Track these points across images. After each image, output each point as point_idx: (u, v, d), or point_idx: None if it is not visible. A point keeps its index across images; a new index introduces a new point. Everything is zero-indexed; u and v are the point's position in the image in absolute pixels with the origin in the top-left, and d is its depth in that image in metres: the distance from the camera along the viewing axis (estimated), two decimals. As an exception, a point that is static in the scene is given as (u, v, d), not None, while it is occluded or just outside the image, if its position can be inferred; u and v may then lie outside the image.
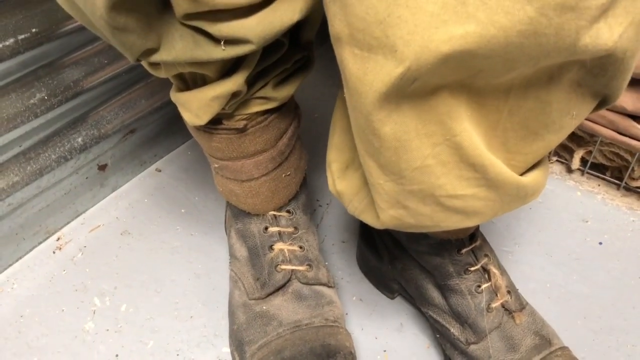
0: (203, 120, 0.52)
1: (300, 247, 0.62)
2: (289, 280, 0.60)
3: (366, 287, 0.71)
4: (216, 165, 0.59)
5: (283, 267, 0.60)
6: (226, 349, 0.63)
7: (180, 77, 0.53)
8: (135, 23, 0.43)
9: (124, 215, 0.79)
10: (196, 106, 0.51)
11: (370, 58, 0.37)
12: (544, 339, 0.58)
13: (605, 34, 0.34)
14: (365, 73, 0.37)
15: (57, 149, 0.69)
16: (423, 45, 0.34)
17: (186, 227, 0.78)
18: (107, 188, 0.80)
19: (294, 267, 0.60)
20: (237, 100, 0.52)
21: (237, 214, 0.64)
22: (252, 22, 0.44)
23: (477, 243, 0.59)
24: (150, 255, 0.73)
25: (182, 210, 0.80)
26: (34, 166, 0.67)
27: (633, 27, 0.35)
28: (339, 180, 0.51)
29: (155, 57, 0.47)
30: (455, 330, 0.59)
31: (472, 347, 0.58)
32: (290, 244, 0.61)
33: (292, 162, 0.61)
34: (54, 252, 0.73)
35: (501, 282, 0.58)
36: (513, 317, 0.58)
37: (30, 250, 0.73)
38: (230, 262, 0.66)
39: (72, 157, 0.71)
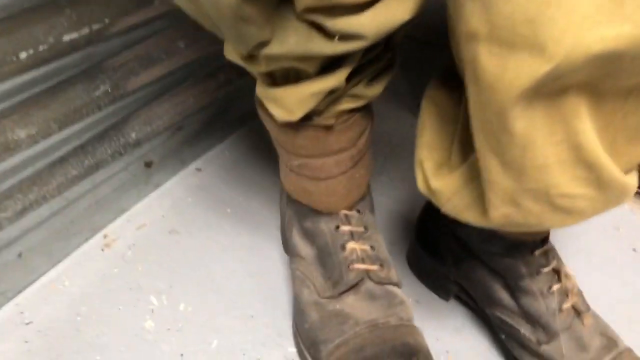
0: (296, 116, 0.52)
1: (372, 247, 0.62)
2: (361, 279, 0.60)
3: (420, 289, 0.72)
4: (296, 163, 0.58)
5: (356, 266, 0.60)
6: (292, 349, 0.63)
7: (271, 73, 0.53)
8: (258, 14, 0.43)
9: (169, 213, 0.77)
10: (292, 102, 0.51)
11: (512, 55, 0.37)
12: (611, 339, 0.60)
13: None
14: (505, 70, 0.38)
15: (113, 144, 0.68)
16: (574, 45, 0.35)
17: (233, 226, 0.77)
18: (150, 186, 0.78)
19: (367, 267, 0.60)
20: (333, 96, 0.52)
21: (304, 212, 0.64)
22: (367, 18, 0.45)
23: (549, 245, 0.60)
24: (202, 254, 0.72)
25: (228, 210, 0.79)
26: (92, 160, 0.66)
27: None
28: (433, 178, 0.52)
29: (267, 50, 0.46)
30: (525, 330, 0.60)
31: (544, 347, 0.59)
32: (362, 243, 0.61)
33: (365, 161, 0.61)
34: (102, 250, 0.71)
35: (571, 283, 0.60)
36: (581, 318, 0.60)
37: (78, 247, 0.70)
38: (292, 261, 0.66)
39: (126, 153, 0.70)
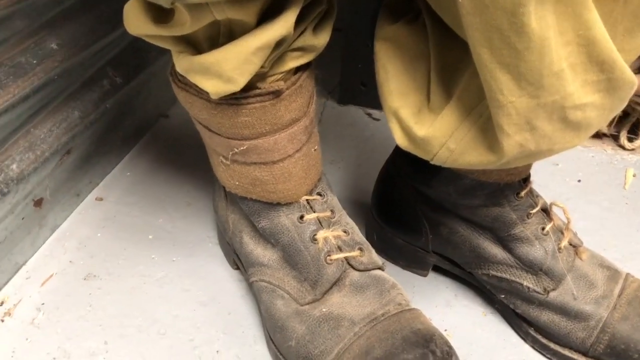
0: (239, 84, 0.42)
1: (345, 231, 0.52)
2: (343, 271, 0.51)
3: (393, 271, 0.63)
4: (240, 149, 0.47)
5: (334, 257, 0.51)
6: (278, 377, 0.52)
7: (197, 36, 0.42)
8: None
9: (78, 256, 0.62)
10: (232, 65, 0.41)
11: None
12: (611, 269, 0.56)
13: None
14: None
15: (-10, 182, 0.53)
16: None
17: (162, 254, 0.64)
18: (45, 229, 0.63)
19: (346, 254, 0.51)
20: (278, 51, 0.42)
21: (256, 210, 0.53)
22: None
23: (531, 184, 0.55)
24: (134, 294, 0.59)
25: (149, 237, 0.66)
26: (-35, 207, 0.50)
27: None
28: (417, 125, 0.44)
29: (194, -4, 0.36)
30: (528, 282, 0.54)
31: (552, 294, 0.53)
32: (334, 230, 0.52)
33: (316, 133, 0.52)
34: (2, 321, 0.55)
35: (559, 219, 0.55)
36: (578, 253, 0.55)
37: (-32, 325, 0.54)
38: (251, 274, 0.55)
39: (9, 191, 0.55)
